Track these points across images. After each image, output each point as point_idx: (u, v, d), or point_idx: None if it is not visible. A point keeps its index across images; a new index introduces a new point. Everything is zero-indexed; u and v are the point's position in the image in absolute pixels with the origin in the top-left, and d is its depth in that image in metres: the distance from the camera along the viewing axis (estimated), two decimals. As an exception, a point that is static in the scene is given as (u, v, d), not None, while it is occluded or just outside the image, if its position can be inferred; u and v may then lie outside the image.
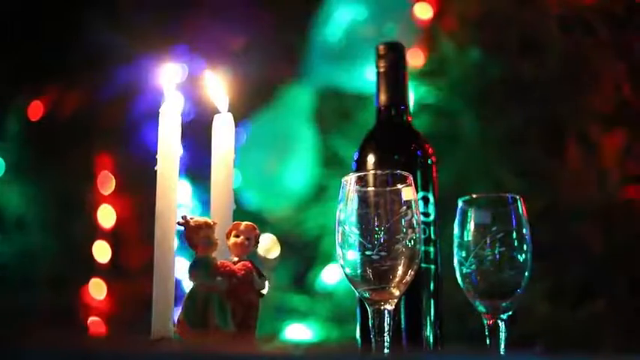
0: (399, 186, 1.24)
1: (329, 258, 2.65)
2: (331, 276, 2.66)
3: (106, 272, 3.57)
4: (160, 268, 1.26)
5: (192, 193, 3.00)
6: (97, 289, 3.53)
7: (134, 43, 3.29)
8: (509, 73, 2.66)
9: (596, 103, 2.63)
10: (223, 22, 2.93)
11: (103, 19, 3.35)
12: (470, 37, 2.68)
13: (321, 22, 2.76)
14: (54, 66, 3.51)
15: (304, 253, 2.73)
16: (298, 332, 2.65)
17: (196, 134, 3.03)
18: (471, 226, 1.38)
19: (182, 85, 3.08)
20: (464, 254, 1.38)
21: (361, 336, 1.44)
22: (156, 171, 1.30)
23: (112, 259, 3.59)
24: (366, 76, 2.64)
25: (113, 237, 3.62)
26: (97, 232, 3.62)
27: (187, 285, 1.20)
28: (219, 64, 2.86)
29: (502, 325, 1.37)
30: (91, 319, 3.50)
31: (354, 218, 1.23)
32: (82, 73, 3.49)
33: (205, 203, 2.98)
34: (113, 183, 3.64)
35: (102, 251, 3.60)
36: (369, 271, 1.22)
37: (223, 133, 1.34)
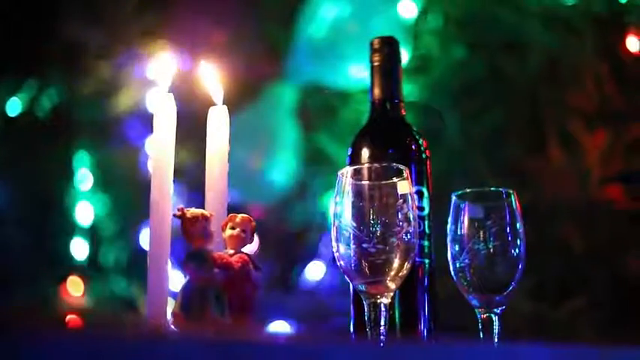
0: (395, 179, 1.24)
1: (312, 255, 2.65)
2: (314, 273, 2.66)
3: (84, 269, 3.56)
4: (154, 262, 1.26)
5: (174, 191, 2.99)
6: (75, 287, 3.51)
7: (113, 38, 3.27)
8: (492, 71, 2.68)
9: (579, 102, 2.65)
10: (205, 16, 2.92)
11: (82, 14, 3.33)
12: (454, 35, 2.69)
13: (306, 19, 2.75)
14: (32, 62, 3.49)
15: (287, 249, 2.73)
16: (280, 329, 2.65)
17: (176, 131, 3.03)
18: (465, 220, 1.38)
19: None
20: (457, 248, 1.38)
21: (355, 330, 1.43)
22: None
23: (89, 256, 3.57)
24: (349, 73, 2.65)
25: (91, 234, 3.61)
26: (74, 229, 3.60)
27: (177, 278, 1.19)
28: (201, 59, 2.85)
29: (496, 320, 1.37)
30: (69, 316, 3.48)
31: (350, 211, 1.23)
32: (61, 68, 3.47)
33: (187, 200, 2.98)
34: (91, 180, 3.62)
35: (79, 248, 3.58)
36: (364, 264, 1.22)
37: (218, 125, 1.33)
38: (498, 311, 1.38)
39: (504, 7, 2.67)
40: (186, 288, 1.15)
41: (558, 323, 2.55)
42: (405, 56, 2.69)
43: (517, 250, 1.37)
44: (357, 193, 1.24)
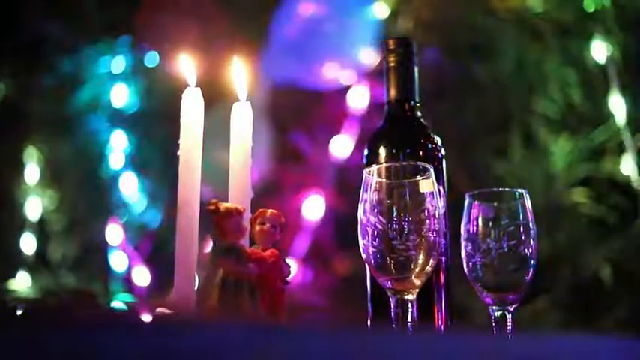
0: (420, 178, 1.27)
1: (283, 254, 2.65)
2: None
3: (32, 264, 3.52)
4: (182, 256, 1.25)
5: (139, 186, 2.97)
6: (23, 281, 3.47)
7: (75, 32, 3.23)
8: (463, 75, 2.72)
9: (545, 108, 2.71)
10: (177, 13, 2.90)
11: (44, 6, 3.28)
12: (425, 37, 2.73)
13: (280, 18, 2.76)
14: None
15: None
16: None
17: (142, 126, 3.01)
18: (479, 219, 1.41)
19: (127, 75, 3.05)
20: (471, 247, 1.41)
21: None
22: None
23: (37, 252, 3.53)
24: (323, 72, 2.66)
25: (39, 229, 3.56)
26: (24, 224, 3.56)
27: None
28: (172, 56, 2.84)
29: (509, 317, 1.41)
30: (18, 311, 3.43)
31: (375, 209, 1.25)
32: (18, 61, 3.42)
33: (152, 195, 2.97)
34: (39, 174, 3.57)
35: (28, 243, 3.54)
36: (391, 261, 1.24)
37: (241, 121, 1.34)
38: (511, 308, 1.41)
39: (475, 12, 2.72)
40: (221, 281, 1.16)
41: (520, 323, 2.60)
42: (378, 57, 2.72)
43: (530, 249, 1.41)
44: (384, 191, 1.26)
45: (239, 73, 1.36)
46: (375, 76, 2.72)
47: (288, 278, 1.24)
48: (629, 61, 2.66)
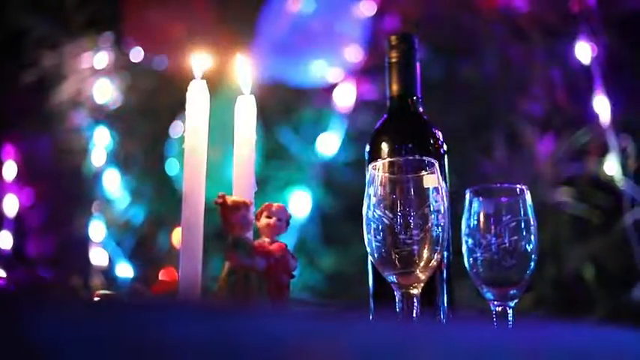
0: (425, 173, 1.27)
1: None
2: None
3: (8, 261, 3.49)
4: (187, 249, 1.24)
5: (121, 182, 2.95)
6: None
7: (58, 27, 3.21)
8: (447, 74, 2.73)
9: (530, 108, 2.72)
10: (161, 8, 2.88)
11: (25, 0, 3.25)
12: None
13: (267, 15, 2.76)
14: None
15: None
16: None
17: (124, 122, 2.99)
18: (479, 215, 1.42)
19: (109, 71, 3.02)
20: (472, 243, 1.41)
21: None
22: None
23: (13, 249, 3.51)
24: (310, 70, 2.66)
25: (16, 226, 3.54)
26: (1, 221, 3.53)
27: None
28: (159, 53, 2.83)
29: (510, 312, 1.41)
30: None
31: (381, 203, 1.25)
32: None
33: (133, 192, 2.95)
34: (16, 171, 3.55)
35: (5, 240, 3.51)
36: (395, 255, 1.24)
37: (246, 114, 1.34)
38: (512, 304, 1.42)
39: (462, 12, 2.73)
40: (228, 275, 1.16)
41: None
42: (363, 55, 2.72)
43: (531, 245, 1.42)
44: (390, 185, 1.26)
45: (242, 66, 1.35)
46: (361, 73, 2.73)
47: (294, 272, 1.24)
48: (613, 62, 2.67)
